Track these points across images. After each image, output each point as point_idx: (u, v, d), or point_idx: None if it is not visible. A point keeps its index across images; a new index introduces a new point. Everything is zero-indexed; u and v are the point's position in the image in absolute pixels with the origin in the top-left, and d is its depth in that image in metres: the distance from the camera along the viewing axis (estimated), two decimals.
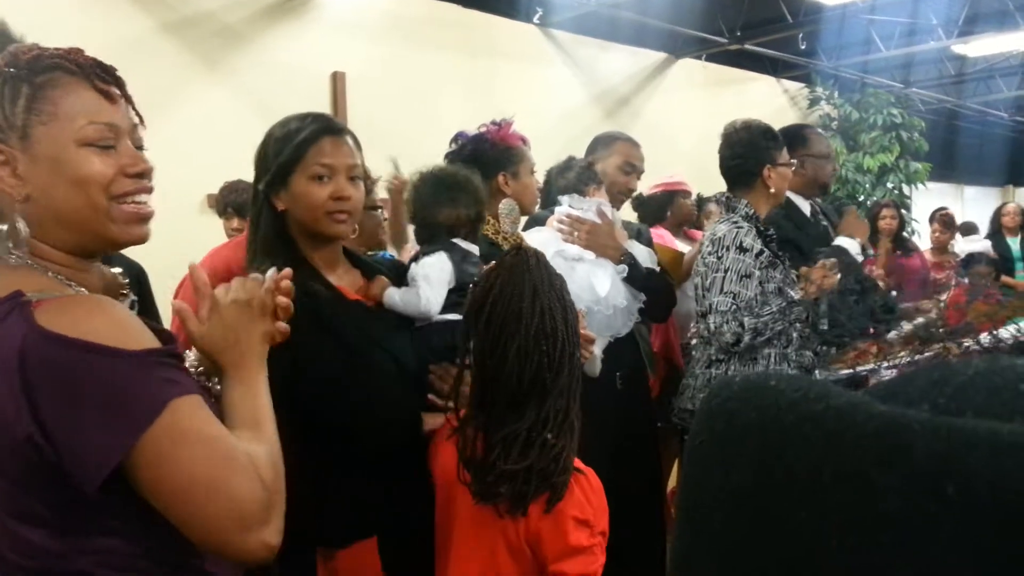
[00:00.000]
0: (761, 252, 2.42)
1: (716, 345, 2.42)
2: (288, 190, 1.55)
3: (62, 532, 0.95)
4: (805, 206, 2.95)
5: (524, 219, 2.44)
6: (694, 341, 2.75)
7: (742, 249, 2.39)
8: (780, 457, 0.32)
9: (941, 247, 5.86)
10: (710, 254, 2.46)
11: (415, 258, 1.77)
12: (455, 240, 1.77)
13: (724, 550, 0.35)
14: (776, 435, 0.33)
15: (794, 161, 2.65)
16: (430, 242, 1.78)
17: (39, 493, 0.95)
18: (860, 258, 2.72)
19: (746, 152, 2.53)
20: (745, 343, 2.32)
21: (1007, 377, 0.32)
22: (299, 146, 1.53)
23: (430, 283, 1.69)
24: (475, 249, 1.81)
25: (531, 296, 1.34)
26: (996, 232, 6.48)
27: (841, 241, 2.87)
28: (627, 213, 3.16)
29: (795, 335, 2.43)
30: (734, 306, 2.34)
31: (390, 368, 1.61)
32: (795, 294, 2.37)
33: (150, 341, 0.97)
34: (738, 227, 2.45)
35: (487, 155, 2.12)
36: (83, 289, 1.04)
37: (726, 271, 2.38)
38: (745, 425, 0.35)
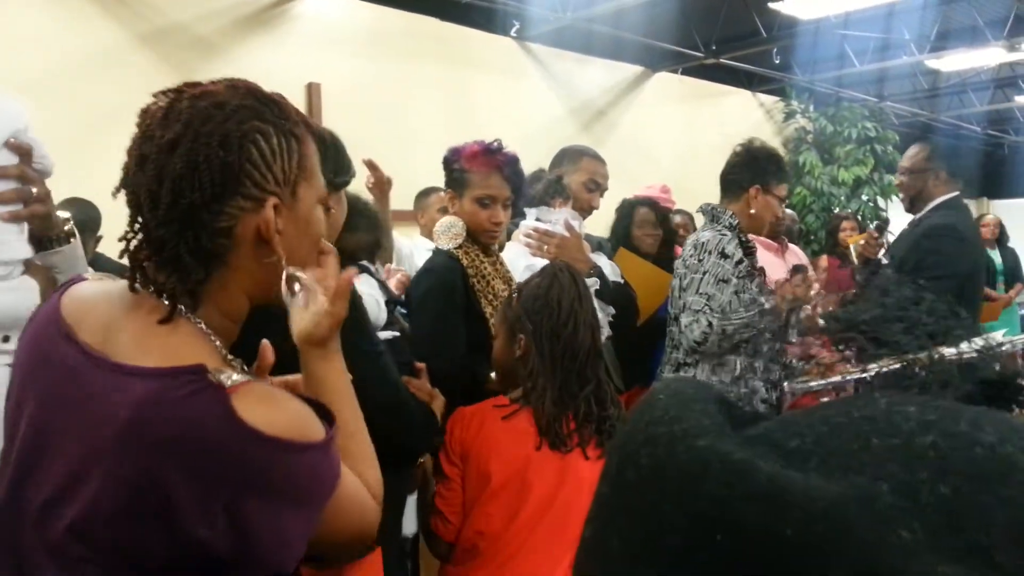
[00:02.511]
0: (741, 261, 2.45)
1: (684, 347, 2.46)
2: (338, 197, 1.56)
3: None
4: None
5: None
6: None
7: (723, 255, 2.44)
8: (625, 471, 0.33)
9: None
10: (691, 256, 2.50)
11: None
12: (364, 264, 1.79)
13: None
14: (625, 451, 0.33)
15: (785, 196, 2.67)
16: None
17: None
18: None
19: (745, 165, 2.58)
20: (711, 343, 2.36)
21: (873, 428, 0.30)
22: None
23: (375, 297, 1.72)
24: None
25: (582, 284, 1.76)
26: None
27: None
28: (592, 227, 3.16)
29: (765, 347, 2.44)
30: (706, 307, 2.38)
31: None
32: (767, 304, 2.39)
33: (324, 428, 0.93)
34: (722, 234, 2.50)
35: (445, 167, 2.12)
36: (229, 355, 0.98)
37: (704, 273, 2.43)
38: (623, 434, 0.36)
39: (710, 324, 2.36)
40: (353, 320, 1.39)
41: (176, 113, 0.91)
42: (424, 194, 3.95)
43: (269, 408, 0.87)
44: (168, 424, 0.83)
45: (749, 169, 2.56)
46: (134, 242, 0.92)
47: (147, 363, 0.87)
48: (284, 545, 0.88)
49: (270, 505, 0.86)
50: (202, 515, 0.82)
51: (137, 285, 0.93)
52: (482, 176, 2.04)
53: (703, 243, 2.49)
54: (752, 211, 2.55)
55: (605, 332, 2.41)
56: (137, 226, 0.92)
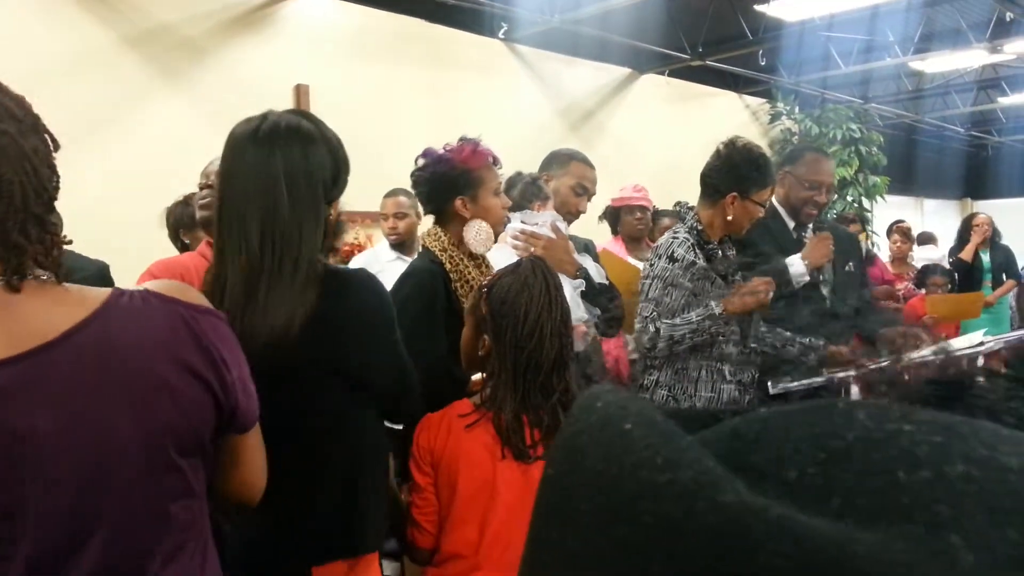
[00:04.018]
0: (693, 264, 2.43)
1: (639, 352, 2.50)
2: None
3: (199, 498, 1.04)
4: (790, 221, 2.92)
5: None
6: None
7: (672, 259, 2.44)
8: (615, 526, 0.26)
9: (900, 258, 5.96)
10: (647, 262, 2.53)
11: None
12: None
13: None
14: (609, 501, 0.27)
15: (767, 203, 2.58)
16: None
17: (204, 457, 1.03)
18: (805, 278, 2.69)
19: (724, 169, 2.50)
20: (660, 348, 2.37)
21: (884, 455, 0.24)
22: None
23: None
24: None
25: (555, 289, 1.65)
26: (966, 243, 6.46)
27: (790, 260, 2.73)
28: (582, 229, 3.18)
29: (734, 351, 2.46)
30: (655, 313, 2.40)
31: None
32: (717, 309, 2.38)
33: None
34: (674, 237, 2.49)
35: (446, 177, 2.08)
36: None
37: (654, 278, 2.44)
38: (585, 472, 0.28)
39: (657, 330, 2.38)
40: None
41: None
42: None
43: (175, 290, 1.05)
44: (155, 328, 0.99)
45: (727, 176, 2.48)
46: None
47: (81, 316, 0.95)
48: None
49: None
50: (215, 371, 1.01)
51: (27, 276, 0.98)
52: (488, 168, 2.09)
53: (657, 247, 2.52)
54: (729, 217, 2.50)
55: (591, 333, 2.42)
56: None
